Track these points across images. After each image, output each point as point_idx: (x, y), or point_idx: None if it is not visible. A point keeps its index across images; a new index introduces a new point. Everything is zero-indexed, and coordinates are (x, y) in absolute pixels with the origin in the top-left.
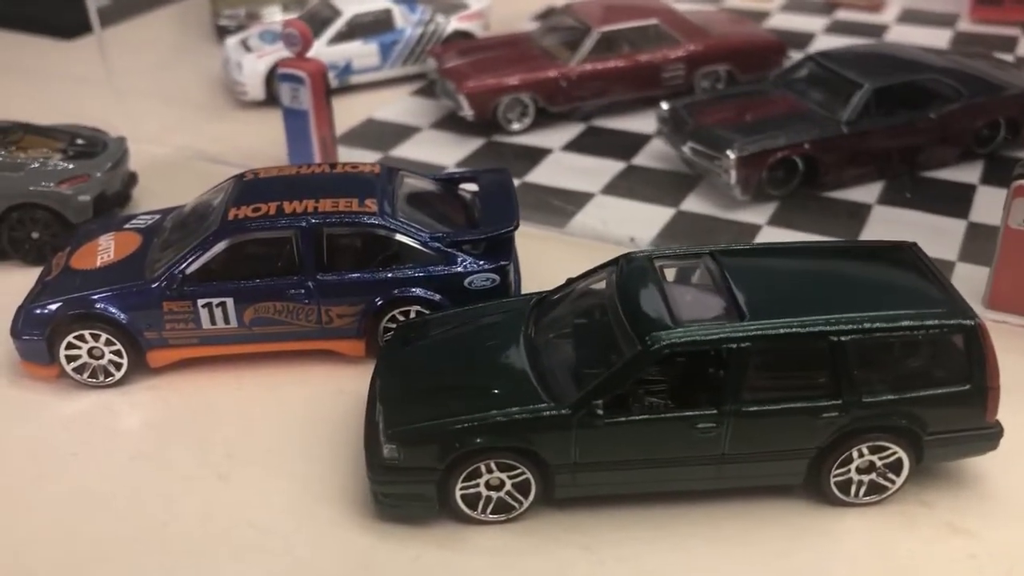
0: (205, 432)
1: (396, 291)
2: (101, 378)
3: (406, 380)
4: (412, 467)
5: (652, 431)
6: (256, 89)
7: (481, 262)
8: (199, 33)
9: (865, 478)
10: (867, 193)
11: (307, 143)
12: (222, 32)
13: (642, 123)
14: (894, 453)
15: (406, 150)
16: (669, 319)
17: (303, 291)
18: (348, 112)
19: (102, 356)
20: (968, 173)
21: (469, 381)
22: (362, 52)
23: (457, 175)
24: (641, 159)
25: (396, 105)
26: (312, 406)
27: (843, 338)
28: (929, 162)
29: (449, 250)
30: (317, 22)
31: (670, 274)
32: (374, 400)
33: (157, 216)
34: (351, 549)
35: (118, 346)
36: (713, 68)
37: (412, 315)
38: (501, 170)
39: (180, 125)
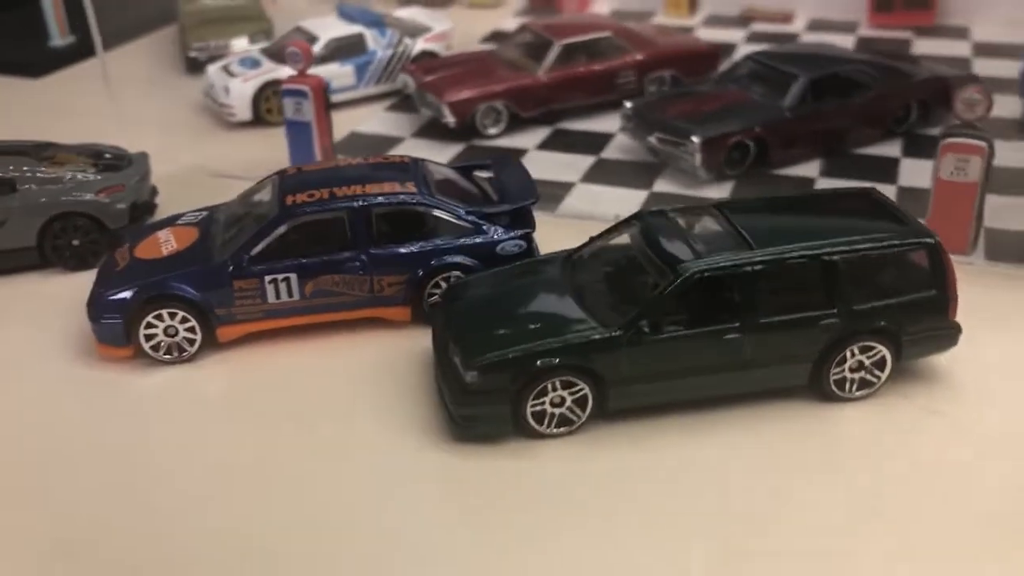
0: (282, 393)
1: (438, 260)
2: (175, 354)
3: (472, 323)
4: (491, 390)
5: (688, 345)
6: (244, 110)
7: (509, 231)
8: (169, 66)
9: (856, 376)
10: (810, 169)
11: (310, 152)
12: (192, 64)
13: (603, 124)
14: (879, 352)
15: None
16: (693, 254)
17: (358, 264)
18: (340, 129)
19: (176, 334)
20: (891, 148)
21: (528, 319)
22: (339, 73)
23: (471, 164)
24: (609, 153)
25: (375, 119)
26: (373, 364)
27: (834, 258)
28: (858, 141)
29: (481, 222)
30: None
31: (683, 223)
32: (444, 343)
33: (204, 213)
34: (440, 467)
35: (192, 323)
36: (659, 73)
37: (452, 280)
38: (510, 158)
39: (178, 146)
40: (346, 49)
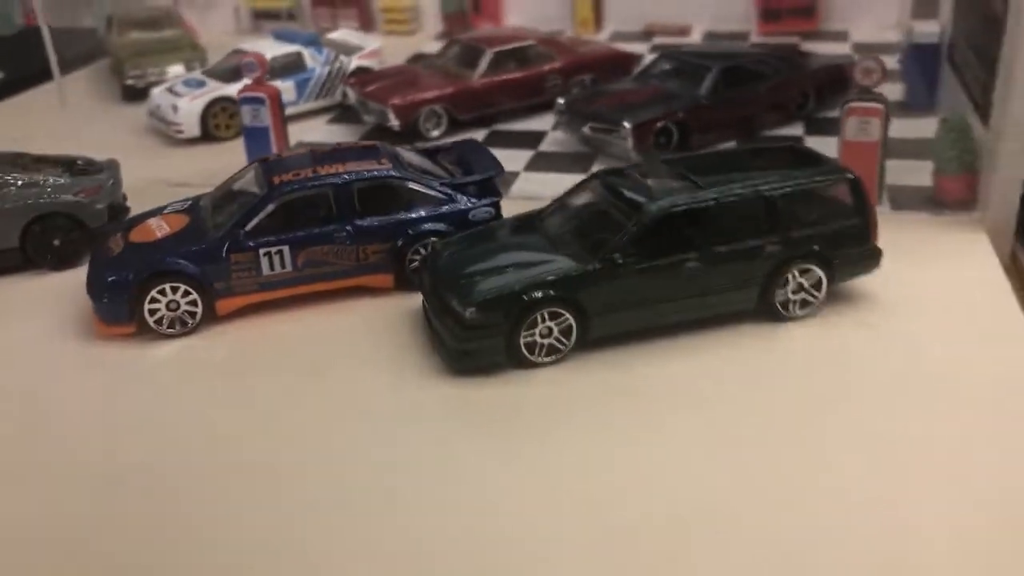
0: (285, 354)
1: (417, 228)
2: (179, 327)
3: (462, 272)
4: (487, 324)
5: (655, 275)
6: (192, 127)
7: (479, 199)
8: (106, 96)
9: (797, 296)
10: (725, 147)
11: (268, 154)
12: (130, 92)
13: (535, 124)
14: (816, 274)
15: None
16: (654, 197)
17: (344, 234)
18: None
19: (178, 308)
20: (795, 130)
21: (513, 263)
22: (281, 89)
23: (435, 147)
24: (545, 147)
25: (319, 131)
26: (366, 325)
27: (773, 193)
28: (765, 124)
29: (452, 192)
30: (229, 70)
31: (638, 176)
32: (435, 293)
33: (189, 201)
34: (444, 395)
35: (194, 295)
36: (581, 77)
37: (429, 247)
38: (470, 140)
39: (132, 163)
40: (287, 67)
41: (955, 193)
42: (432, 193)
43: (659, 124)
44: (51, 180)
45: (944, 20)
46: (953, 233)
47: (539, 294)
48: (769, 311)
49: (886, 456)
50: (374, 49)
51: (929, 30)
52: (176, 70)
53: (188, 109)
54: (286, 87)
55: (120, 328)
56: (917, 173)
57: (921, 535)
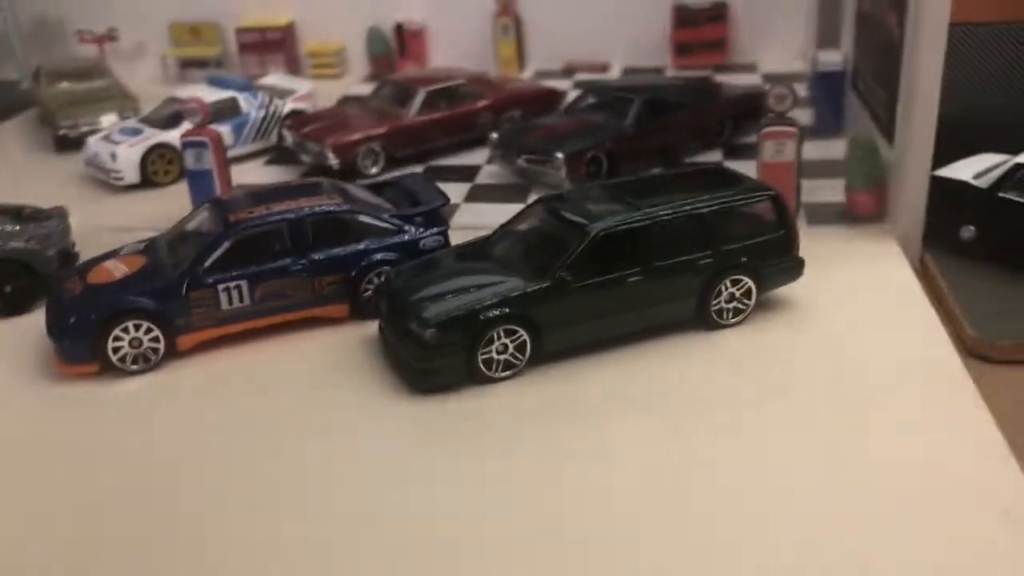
0: (250, 382)
1: (369, 258)
2: (142, 364)
3: (419, 295)
4: (447, 343)
5: (601, 290)
6: (132, 173)
7: (428, 228)
8: (36, 146)
9: (730, 305)
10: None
11: (212, 196)
12: (62, 142)
13: (467, 159)
14: (746, 283)
15: None
16: (595, 218)
17: (300, 267)
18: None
19: (141, 344)
20: (715, 155)
21: (467, 285)
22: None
23: (378, 181)
24: (481, 179)
25: (256, 173)
26: (325, 352)
27: (703, 211)
28: (686, 151)
29: (401, 223)
30: (166, 117)
31: (578, 199)
32: (393, 318)
33: (144, 243)
34: (408, 413)
35: (156, 332)
36: (511, 114)
37: (383, 275)
38: (414, 174)
39: (74, 209)
40: (223, 112)
41: (865, 207)
42: (382, 225)
43: (590, 154)
44: (4, 228)
45: (846, 49)
46: (866, 243)
47: (495, 312)
48: (705, 320)
49: (824, 442)
50: (306, 92)
51: (833, 59)
52: (109, 119)
53: (127, 156)
54: (223, 131)
55: (83, 367)
56: (829, 191)
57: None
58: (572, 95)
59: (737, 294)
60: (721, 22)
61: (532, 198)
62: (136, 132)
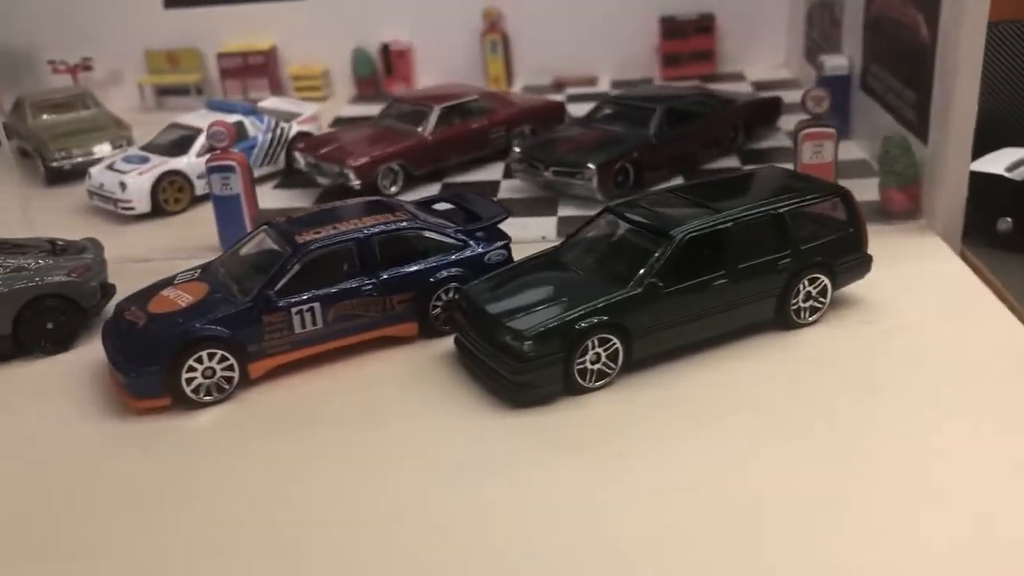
0: (334, 407)
1: (439, 275)
2: (215, 394)
3: (506, 309)
4: (544, 355)
5: (690, 295)
6: (143, 202)
7: (492, 242)
8: (22, 179)
9: (807, 304)
10: (674, 182)
11: (239, 224)
12: (55, 174)
13: (482, 175)
14: (822, 282)
15: None
16: (675, 222)
17: (371, 286)
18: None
19: (214, 374)
20: (731, 162)
21: (554, 296)
22: None
23: (429, 199)
24: (504, 194)
25: (269, 197)
26: (400, 371)
27: (782, 211)
28: (705, 158)
29: (466, 238)
30: (172, 144)
31: (650, 205)
32: (481, 334)
33: (198, 270)
34: (509, 427)
35: (231, 360)
36: (521, 128)
37: (451, 292)
38: (462, 190)
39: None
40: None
41: (900, 204)
42: (448, 240)
43: (618, 164)
44: (39, 262)
45: (850, 53)
46: (908, 239)
47: (590, 322)
48: (784, 319)
49: (947, 438)
50: (312, 114)
51: (839, 64)
52: (102, 149)
53: (137, 185)
54: None
55: (155, 401)
56: (857, 189)
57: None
58: (571, 109)
59: (813, 292)
60: (708, 33)
61: (563, 211)
62: (143, 160)
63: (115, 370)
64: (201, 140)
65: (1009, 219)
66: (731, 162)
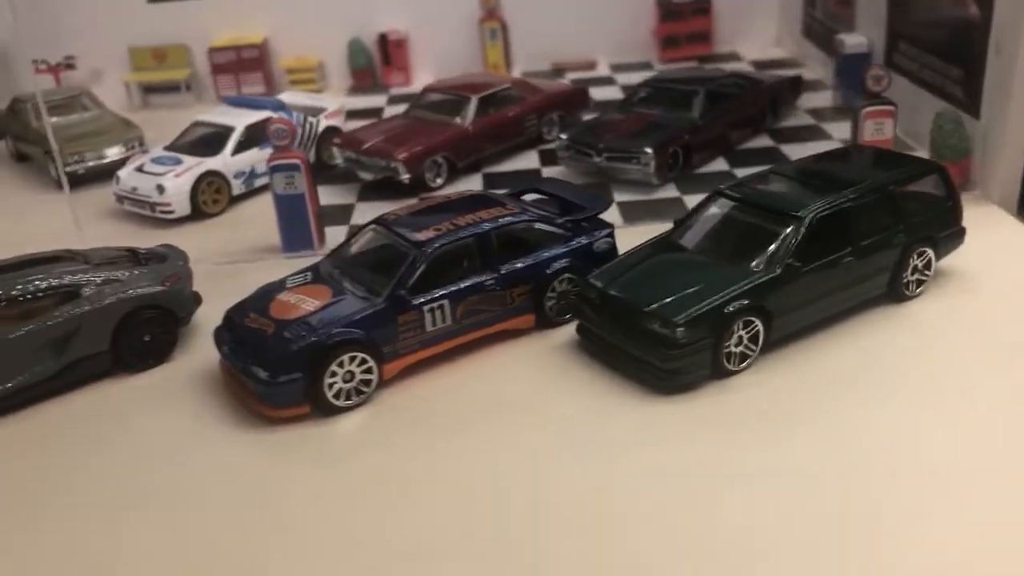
0: (476, 403)
1: (553, 266)
2: (354, 399)
3: (645, 296)
4: (695, 340)
5: (822, 273)
6: (182, 205)
7: (598, 231)
8: (30, 185)
9: (914, 277)
10: (718, 165)
11: (304, 222)
12: (68, 178)
13: (519, 163)
14: (928, 254)
15: (365, 217)
16: (798, 203)
17: (494, 281)
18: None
19: (352, 378)
20: (764, 141)
21: (689, 281)
22: (261, 157)
23: (518, 190)
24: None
25: None
26: (528, 363)
27: (893, 188)
28: (740, 139)
29: (572, 229)
30: (198, 143)
31: (763, 188)
32: (621, 323)
33: (309, 273)
34: (663, 414)
35: (370, 363)
36: (550, 115)
37: (565, 282)
38: (546, 178)
39: None
40: (262, 134)
41: (955, 176)
42: (558, 231)
43: (672, 148)
44: (132, 272)
45: (868, 32)
46: (969, 210)
47: (737, 305)
48: (895, 293)
49: None
50: (338, 108)
51: (858, 41)
52: (113, 152)
53: (177, 187)
54: (266, 154)
55: (295, 410)
56: None
57: None
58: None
59: (919, 265)
60: (706, 14)
61: (618, 195)
62: (176, 161)
63: (247, 380)
64: (235, 137)
65: None
66: (764, 142)
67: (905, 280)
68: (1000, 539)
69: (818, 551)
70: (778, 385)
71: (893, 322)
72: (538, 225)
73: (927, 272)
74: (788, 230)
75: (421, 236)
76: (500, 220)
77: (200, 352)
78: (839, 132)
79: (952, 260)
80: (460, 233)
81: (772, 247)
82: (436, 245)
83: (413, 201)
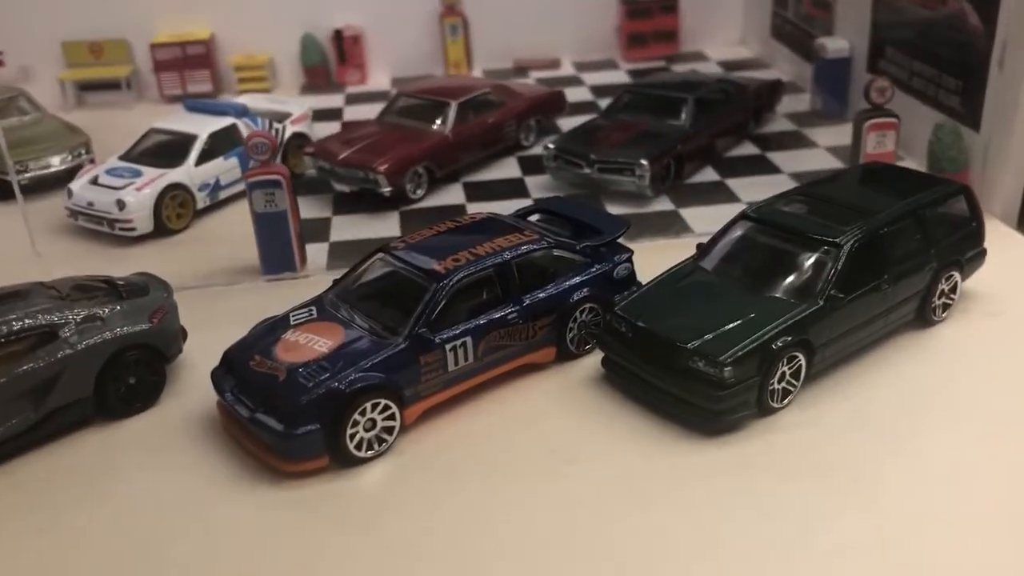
0: (506, 447)
1: (574, 295)
2: (376, 448)
3: (684, 331)
4: (742, 379)
5: (862, 302)
6: (145, 222)
7: (617, 256)
8: None
9: (941, 301)
10: (707, 175)
11: (286, 242)
12: (5, 188)
13: (497, 172)
14: (954, 278)
15: (345, 234)
16: (835, 230)
17: (516, 314)
18: (243, 222)
19: (374, 426)
20: (749, 148)
21: (726, 314)
22: (225, 167)
23: (524, 210)
24: (538, 192)
25: None
26: (553, 400)
27: (924, 212)
28: (725, 147)
29: (591, 254)
30: (155, 152)
31: (793, 210)
32: (657, 360)
33: (313, 308)
34: (713, 459)
35: (393, 409)
36: (529, 120)
37: (587, 312)
38: (555, 197)
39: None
40: (226, 142)
41: None
42: (576, 258)
43: (665, 159)
44: (114, 308)
45: (851, 37)
46: None
47: (785, 340)
48: (923, 318)
49: None
50: (304, 112)
51: (840, 46)
52: (57, 160)
53: (139, 202)
54: (231, 164)
55: (312, 463)
56: None
57: None
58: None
59: (946, 289)
60: (672, 12)
61: (609, 207)
62: (135, 173)
63: (259, 430)
64: (199, 146)
65: None
66: (749, 149)
67: (933, 305)
68: None
69: None
70: (827, 423)
71: (927, 349)
72: (557, 252)
73: (952, 296)
74: (827, 258)
75: (439, 267)
76: (521, 248)
77: (191, 393)
78: (823, 139)
79: (982, 282)
80: (481, 263)
81: (812, 276)
82: (457, 277)
83: (393, 213)
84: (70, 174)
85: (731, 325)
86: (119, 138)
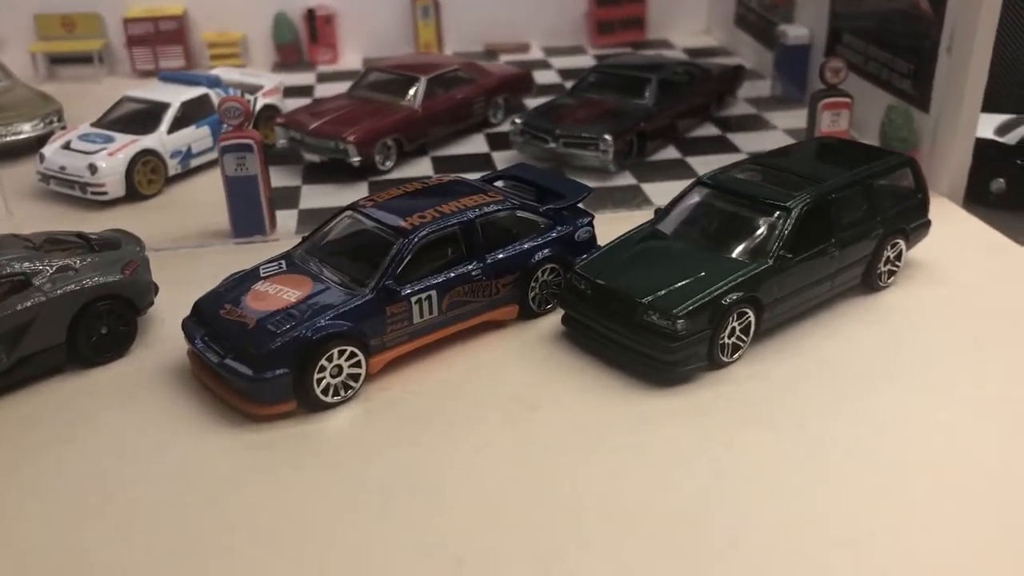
0: (466, 398)
1: (536, 255)
2: (342, 394)
3: (641, 287)
4: (694, 332)
5: (809, 264)
6: (117, 186)
7: (579, 220)
8: None
9: (886, 268)
10: (669, 152)
11: (256, 206)
12: None
13: (465, 147)
14: (899, 245)
15: (314, 202)
16: (784, 194)
17: (480, 271)
18: (215, 189)
19: (340, 373)
20: (710, 129)
21: (683, 272)
22: (197, 136)
23: (490, 175)
24: (503, 167)
25: None
26: (514, 355)
27: (871, 181)
28: (688, 128)
29: (554, 217)
30: (128, 119)
31: (747, 176)
32: (615, 314)
33: (282, 262)
34: (661, 406)
35: (359, 357)
36: (497, 98)
37: (548, 272)
38: (522, 164)
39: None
40: (198, 111)
41: None
42: (539, 220)
43: (630, 135)
44: (87, 260)
45: (811, 25)
46: None
47: (734, 296)
48: (868, 284)
49: None
50: (275, 86)
51: (800, 33)
52: (27, 126)
53: (112, 167)
54: (202, 132)
55: (280, 406)
56: None
57: None
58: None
59: (891, 256)
60: (640, 1)
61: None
62: (107, 139)
63: (229, 376)
64: (171, 114)
65: (1002, 179)
66: (711, 130)
67: (879, 271)
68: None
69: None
70: (775, 377)
71: (874, 313)
72: (520, 213)
73: (898, 263)
74: (777, 221)
75: (405, 223)
76: (485, 208)
77: (161, 344)
78: (782, 122)
79: (913, 250)
80: (446, 221)
81: (763, 237)
82: (423, 232)
83: (362, 183)
84: (41, 141)
85: (684, 282)
86: (90, 109)
